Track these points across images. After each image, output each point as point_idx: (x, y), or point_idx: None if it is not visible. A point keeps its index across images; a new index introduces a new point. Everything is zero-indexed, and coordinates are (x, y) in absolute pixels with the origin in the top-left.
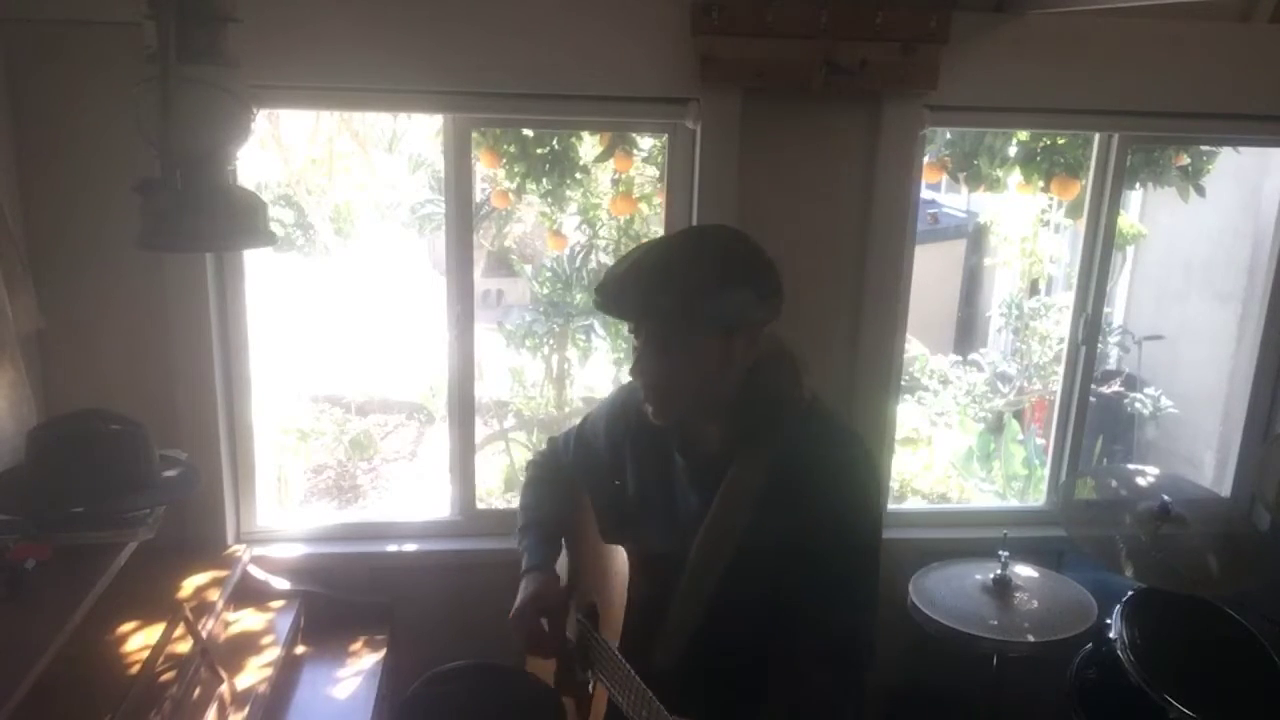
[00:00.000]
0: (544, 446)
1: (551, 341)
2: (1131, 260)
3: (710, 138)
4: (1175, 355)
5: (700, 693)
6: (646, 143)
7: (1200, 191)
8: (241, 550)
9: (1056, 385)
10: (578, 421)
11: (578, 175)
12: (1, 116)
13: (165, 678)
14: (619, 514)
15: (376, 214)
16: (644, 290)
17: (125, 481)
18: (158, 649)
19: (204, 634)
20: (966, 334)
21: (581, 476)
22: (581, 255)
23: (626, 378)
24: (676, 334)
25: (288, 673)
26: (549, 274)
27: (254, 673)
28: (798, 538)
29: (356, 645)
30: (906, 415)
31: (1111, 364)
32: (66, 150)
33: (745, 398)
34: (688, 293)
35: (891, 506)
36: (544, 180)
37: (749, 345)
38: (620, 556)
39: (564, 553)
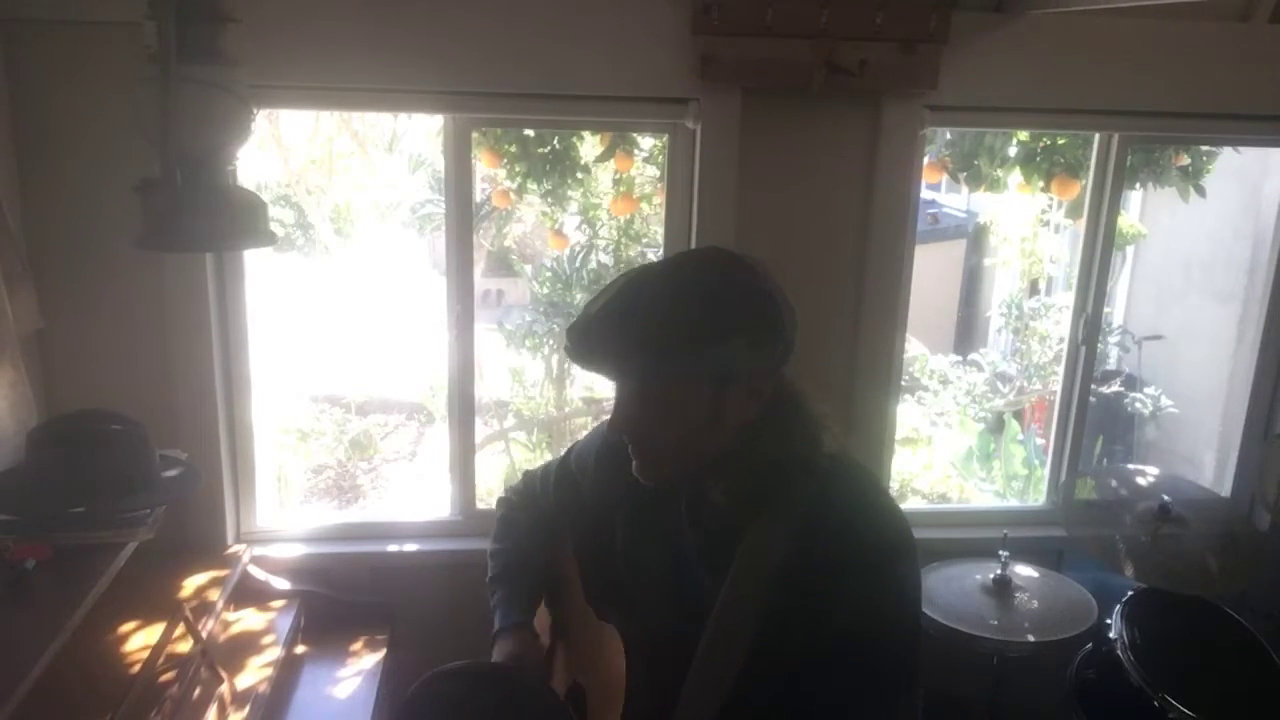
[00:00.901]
0: (518, 482)
1: (551, 341)
2: (1131, 260)
3: (710, 138)
4: (1175, 355)
5: None
6: (647, 143)
7: (1200, 191)
8: (241, 550)
9: (1056, 385)
10: (560, 454)
11: (578, 175)
12: (1, 116)
13: (165, 678)
14: (605, 579)
15: (376, 214)
16: (613, 338)
17: (125, 481)
18: (158, 649)
19: (204, 634)
20: (966, 334)
21: (564, 523)
22: (582, 255)
23: None
24: (654, 387)
25: (288, 673)
26: (549, 274)
27: (254, 673)
28: (822, 633)
29: (356, 645)
30: (906, 415)
31: (1111, 364)
32: (66, 150)
33: (745, 456)
34: (664, 343)
35: None
36: (544, 180)
37: (748, 396)
38: (611, 634)
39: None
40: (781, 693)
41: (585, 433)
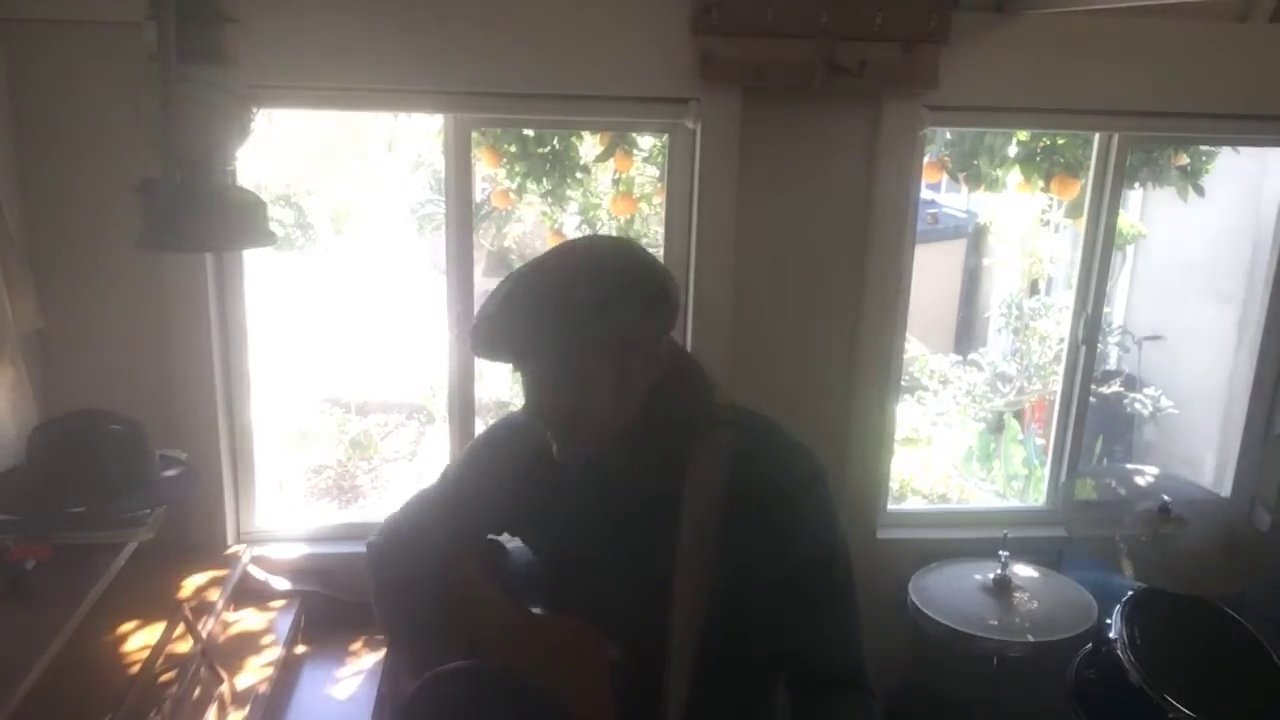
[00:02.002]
0: (377, 538)
1: None
2: (1131, 260)
3: (710, 138)
4: (1175, 355)
5: None
6: (646, 143)
7: (1200, 191)
8: (241, 550)
9: (1056, 385)
10: (425, 488)
11: (578, 175)
12: (1, 116)
13: (165, 678)
14: (557, 574)
15: (376, 214)
16: (519, 325)
17: (125, 481)
18: (158, 649)
19: (204, 634)
20: (966, 334)
21: (460, 536)
22: None
23: None
24: (565, 365)
25: (288, 673)
26: None
27: (254, 673)
28: (784, 560)
29: (356, 645)
30: (906, 415)
31: (1111, 364)
32: (66, 150)
33: (654, 416)
34: (567, 318)
35: (891, 506)
36: (544, 180)
37: (649, 362)
38: (574, 633)
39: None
40: (758, 622)
41: (452, 462)
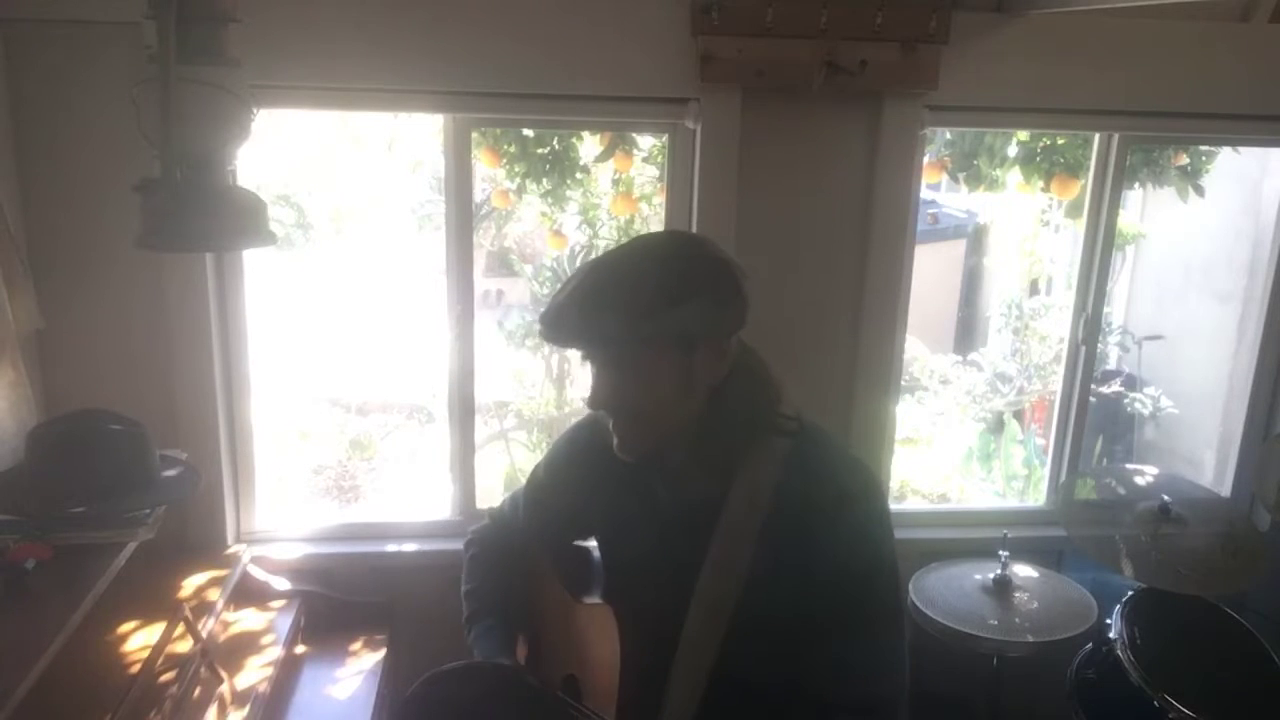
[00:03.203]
0: (483, 523)
1: None
2: (1131, 260)
3: (710, 138)
4: (1175, 355)
5: None
6: (646, 143)
7: (1200, 191)
8: (241, 550)
9: (1056, 385)
10: (521, 485)
11: (578, 175)
12: (1, 116)
13: (165, 678)
14: (594, 571)
15: (376, 214)
16: (587, 313)
17: (125, 481)
18: (158, 649)
19: (204, 634)
20: (966, 334)
21: (541, 540)
22: (582, 255)
23: None
24: (629, 356)
25: (288, 673)
26: (549, 274)
27: (254, 672)
28: (806, 582)
29: (356, 645)
30: (906, 415)
31: (1111, 364)
32: (66, 150)
33: (716, 418)
34: (635, 309)
35: (891, 506)
36: (544, 180)
37: (715, 359)
38: (601, 619)
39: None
40: (778, 637)
41: (540, 460)
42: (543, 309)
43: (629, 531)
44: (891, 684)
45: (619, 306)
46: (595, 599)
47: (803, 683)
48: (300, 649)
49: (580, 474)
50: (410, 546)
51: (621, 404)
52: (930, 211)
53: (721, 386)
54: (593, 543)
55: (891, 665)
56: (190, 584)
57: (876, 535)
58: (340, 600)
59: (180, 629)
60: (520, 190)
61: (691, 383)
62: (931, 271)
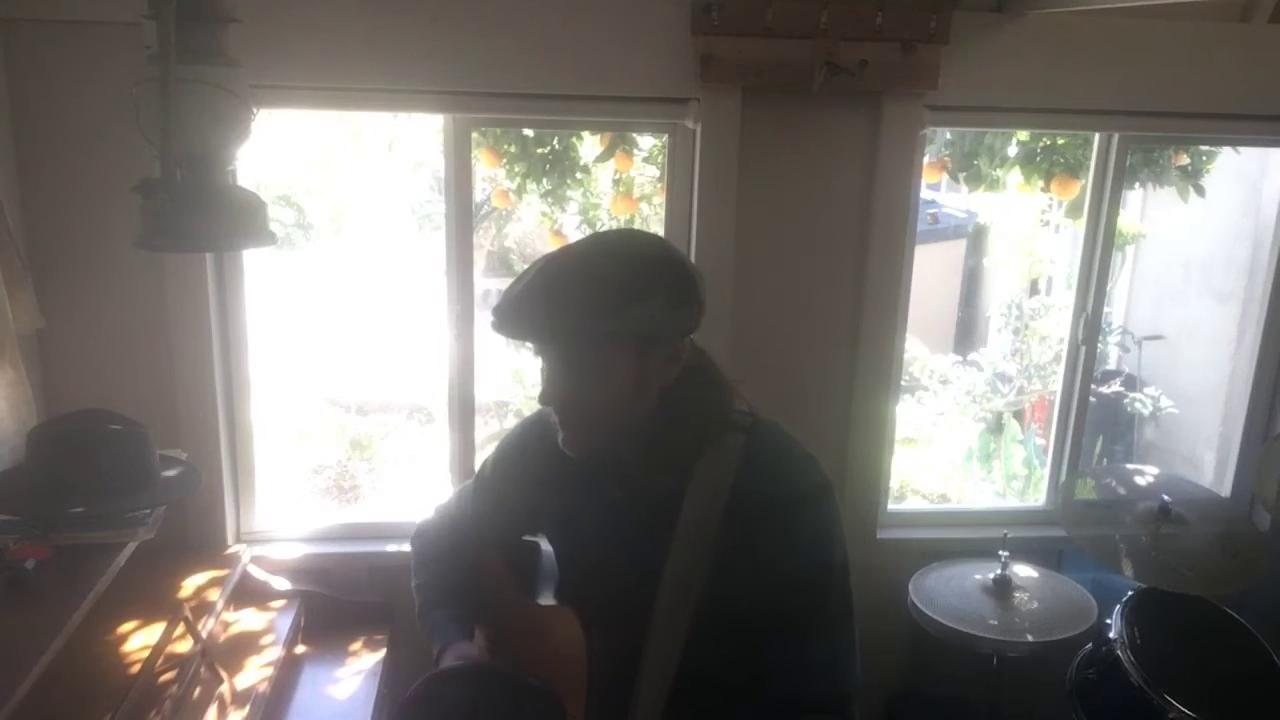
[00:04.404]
0: (430, 516)
1: None
2: (1131, 260)
3: (710, 138)
4: (1175, 355)
5: None
6: (646, 142)
7: (1200, 191)
8: (241, 550)
9: (1056, 385)
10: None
11: (578, 175)
12: (1, 116)
13: (165, 678)
14: (543, 567)
15: (376, 214)
16: (541, 308)
17: (125, 481)
18: (158, 649)
19: (204, 634)
20: (966, 334)
21: (490, 534)
22: None
23: None
24: (583, 353)
25: (288, 673)
26: None
27: (254, 672)
28: (765, 579)
29: (356, 645)
30: (906, 415)
31: (1111, 364)
32: (66, 150)
33: (667, 418)
34: (596, 306)
35: (891, 506)
36: (544, 180)
37: (669, 360)
38: (564, 620)
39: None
40: (741, 636)
41: (488, 455)
42: (495, 301)
43: (584, 531)
44: (854, 680)
45: (579, 302)
46: (549, 597)
47: (768, 680)
48: (300, 649)
49: (531, 470)
50: (410, 546)
51: (574, 401)
52: (930, 211)
53: (673, 387)
54: (542, 538)
55: (851, 660)
56: (190, 584)
57: (829, 534)
58: (340, 600)
59: (180, 629)
60: (520, 190)
61: (645, 382)
62: (931, 271)
